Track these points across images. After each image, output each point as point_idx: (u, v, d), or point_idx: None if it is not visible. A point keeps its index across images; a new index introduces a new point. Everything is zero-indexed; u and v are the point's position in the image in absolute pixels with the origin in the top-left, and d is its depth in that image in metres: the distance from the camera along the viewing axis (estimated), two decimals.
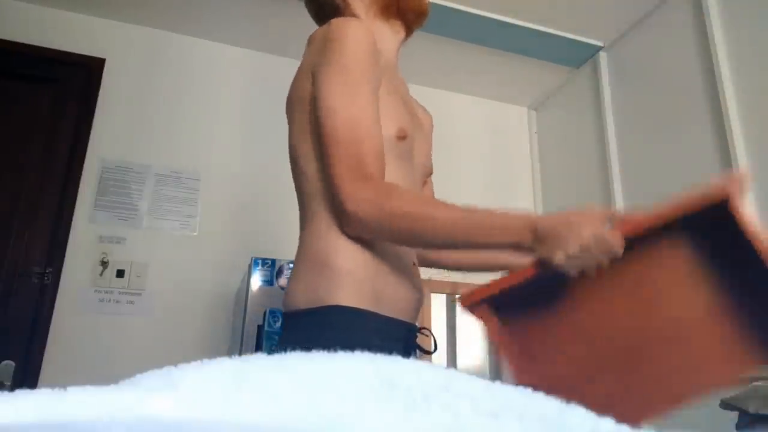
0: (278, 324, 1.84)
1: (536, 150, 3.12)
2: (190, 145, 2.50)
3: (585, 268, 0.76)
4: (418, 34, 1.15)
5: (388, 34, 1.08)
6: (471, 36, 2.58)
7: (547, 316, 0.82)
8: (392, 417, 0.28)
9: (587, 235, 0.74)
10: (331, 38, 0.90)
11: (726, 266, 0.78)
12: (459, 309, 0.83)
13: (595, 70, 2.71)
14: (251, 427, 0.25)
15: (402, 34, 1.11)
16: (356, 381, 0.31)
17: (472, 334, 2.85)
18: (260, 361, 0.33)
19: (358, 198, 0.82)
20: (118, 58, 2.51)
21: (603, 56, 2.69)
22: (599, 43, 2.67)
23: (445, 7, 2.40)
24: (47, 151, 2.31)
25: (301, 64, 0.98)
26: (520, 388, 0.32)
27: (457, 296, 0.80)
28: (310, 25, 1.19)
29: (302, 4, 1.17)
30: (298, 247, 0.94)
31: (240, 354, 0.35)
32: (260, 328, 1.85)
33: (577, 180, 2.79)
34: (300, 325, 0.87)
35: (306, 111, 0.93)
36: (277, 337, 1.82)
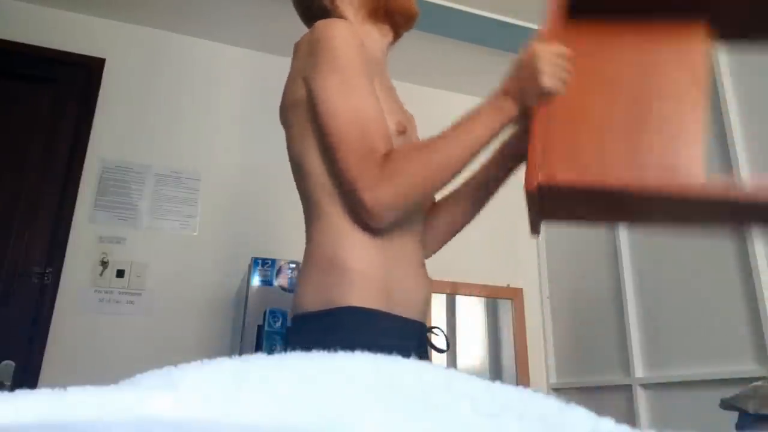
0: (278, 324, 1.84)
1: None
2: (190, 145, 2.51)
3: (562, 76, 0.87)
4: (417, 34, 1.15)
5: (377, 37, 1.08)
6: (471, 36, 2.58)
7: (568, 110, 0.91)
8: (392, 417, 0.28)
9: (540, 52, 0.86)
10: (318, 41, 0.91)
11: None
12: (528, 201, 0.85)
13: None
14: (251, 427, 0.25)
15: (390, 37, 1.11)
16: (356, 381, 0.31)
17: (472, 334, 2.85)
18: (260, 361, 0.33)
19: (372, 185, 0.83)
20: (118, 58, 2.51)
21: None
22: None
23: (445, 7, 2.40)
24: (47, 151, 2.31)
25: (290, 72, 0.98)
26: (520, 388, 0.32)
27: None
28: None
29: (291, 1, 1.17)
30: (306, 248, 0.93)
31: (240, 354, 0.35)
32: (260, 328, 1.85)
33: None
34: (312, 327, 0.86)
35: (303, 114, 0.93)
36: (277, 337, 1.82)
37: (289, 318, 0.95)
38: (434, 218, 1.14)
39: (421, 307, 0.95)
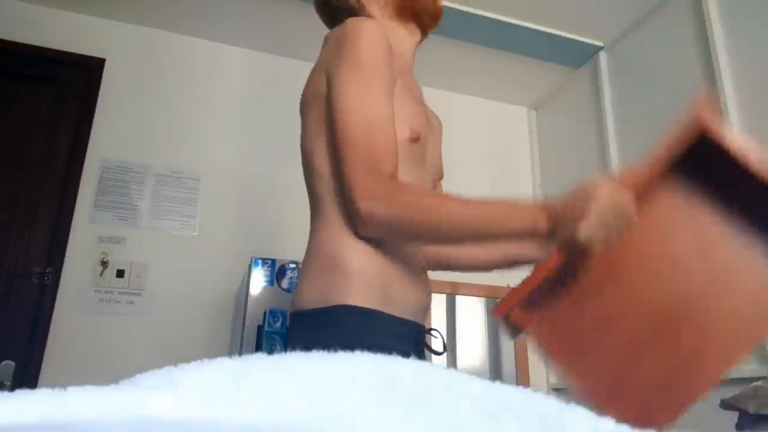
0: (278, 324, 1.84)
1: (536, 150, 3.12)
2: (190, 145, 2.50)
3: (607, 236, 0.73)
4: None
5: (404, 37, 1.08)
6: (471, 36, 2.58)
7: (580, 304, 0.79)
8: (392, 417, 0.28)
9: (601, 200, 0.73)
10: (346, 37, 0.90)
11: (733, 199, 0.76)
12: (495, 321, 0.81)
13: (595, 70, 2.71)
14: (251, 427, 0.25)
15: (418, 36, 1.11)
16: (356, 381, 0.31)
17: (472, 334, 2.85)
18: (260, 361, 0.33)
19: (370, 196, 0.82)
20: (118, 58, 2.51)
21: (603, 56, 2.69)
22: (599, 43, 2.67)
23: (446, 7, 2.39)
24: (47, 151, 2.31)
25: (316, 64, 0.97)
26: (520, 388, 0.32)
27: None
28: (310, 26, 1.18)
29: (303, 4, 1.17)
30: (308, 246, 0.93)
31: (240, 354, 0.35)
32: (260, 328, 1.85)
33: (577, 180, 2.79)
34: (309, 324, 0.87)
35: (321, 110, 0.92)
36: (277, 337, 1.82)
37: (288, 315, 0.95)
38: (436, 253, 1.14)
39: (419, 309, 0.95)
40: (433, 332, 1.04)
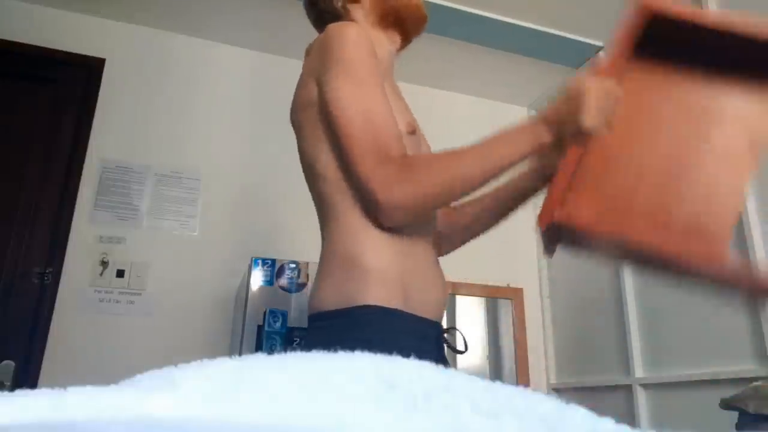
0: (278, 324, 1.84)
1: None
2: (190, 145, 2.51)
3: (607, 117, 0.82)
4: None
5: (384, 43, 1.08)
6: (471, 36, 2.58)
7: (603, 177, 0.87)
8: (392, 417, 0.28)
9: (588, 90, 0.81)
10: (330, 42, 0.91)
11: (697, 60, 0.87)
12: (538, 233, 0.85)
13: None
14: (251, 427, 0.25)
15: (398, 43, 1.11)
16: (356, 381, 0.31)
17: (472, 334, 2.85)
18: (260, 361, 0.33)
19: (387, 185, 0.83)
20: (118, 58, 2.51)
21: (603, 56, 2.69)
22: (599, 43, 2.67)
23: (445, 7, 2.40)
24: (47, 151, 2.31)
25: (302, 73, 0.98)
26: (520, 388, 0.32)
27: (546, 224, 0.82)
28: (310, 26, 1.19)
29: (302, 5, 1.18)
30: (323, 248, 0.93)
31: (240, 354, 0.35)
32: (260, 328, 1.85)
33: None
34: (330, 325, 0.86)
35: (315, 115, 0.93)
36: (277, 337, 1.82)
37: (306, 317, 0.95)
38: (453, 223, 1.15)
39: (437, 307, 0.95)
40: (453, 331, 1.04)
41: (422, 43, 1.16)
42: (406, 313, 0.86)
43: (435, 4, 2.40)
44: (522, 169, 1.05)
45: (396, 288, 0.86)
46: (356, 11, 1.08)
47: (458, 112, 3.00)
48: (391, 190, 0.82)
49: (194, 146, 2.51)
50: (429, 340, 0.90)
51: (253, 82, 2.70)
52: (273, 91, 2.67)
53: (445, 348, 1.00)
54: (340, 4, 1.08)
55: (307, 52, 0.98)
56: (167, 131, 2.50)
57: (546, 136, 0.85)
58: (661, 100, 0.89)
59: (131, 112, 2.47)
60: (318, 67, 0.93)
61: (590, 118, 0.81)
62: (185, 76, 2.60)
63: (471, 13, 2.44)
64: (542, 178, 1.06)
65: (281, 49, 2.67)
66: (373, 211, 0.86)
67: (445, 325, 0.99)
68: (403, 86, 1.14)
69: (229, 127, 2.60)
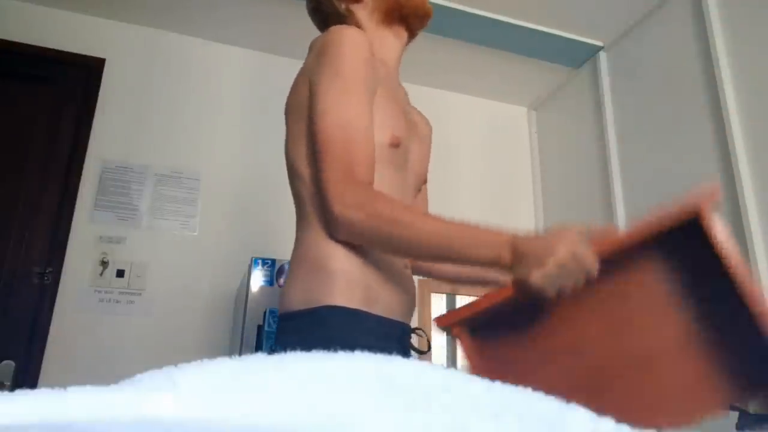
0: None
1: (536, 150, 3.12)
2: (190, 145, 2.50)
3: (561, 287, 0.74)
4: (419, 34, 1.16)
5: (391, 40, 1.09)
6: (471, 36, 2.58)
7: (522, 336, 0.80)
8: (392, 417, 0.28)
9: (563, 253, 0.73)
10: (328, 45, 0.92)
11: (702, 290, 0.76)
12: (435, 327, 0.82)
13: (595, 70, 2.71)
14: (251, 427, 0.25)
15: (405, 38, 1.12)
16: (356, 381, 0.31)
17: None
18: (260, 361, 0.33)
19: (345, 202, 0.84)
20: (118, 58, 2.51)
21: (603, 56, 2.69)
22: (599, 43, 2.67)
23: (445, 7, 2.40)
24: (47, 152, 2.31)
25: (301, 70, 0.99)
26: (520, 389, 0.32)
27: (440, 314, 0.80)
28: (310, 26, 1.19)
29: (302, 5, 1.18)
30: (294, 249, 0.96)
31: (240, 354, 0.35)
32: (260, 328, 1.85)
33: (577, 180, 2.80)
34: (295, 325, 0.89)
35: (303, 116, 0.94)
36: None
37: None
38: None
39: (403, 309, 0.97)
40: (417, 331, 1.05)
41: (422, 43, 1.17)
42: (369, 313, 0.88)
43: (435, 4, 2.40)
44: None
45: (359, 289, 0.88)
46: (359, 11, 1.08)
47: (458, 112, 3.00)
48: (345, 210, 0.84)
49: (194, 146, 2.51)
50: (391, 340, 0.91)
51: (254, 82, 2.70)
52: (273, 91, 2.67)
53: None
54: (342, 6, 1.09)
55: (310, 48, 0.99)
56: (167, 131, 2.50)
57: (506, 261, 0.78)
58: (632, 303, 0.79)
59: (131, 112, 2.47)
60: (313, 67, 0.94)
61: (540, 278, 0.73)
62: (185, 76, 2.60)
63: (471, 13, 2.44)
64: (477, 282, 1.07)
65: (281, 49, 2.67)
66: (326, 218, 0.88)
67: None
68: (403, 86, 1.14)
69: (229, 127, 2.59)
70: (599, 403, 0.76)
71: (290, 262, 0.95)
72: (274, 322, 1.84)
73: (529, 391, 0.32)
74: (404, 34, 1.11)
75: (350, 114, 0.88)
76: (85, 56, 2.45)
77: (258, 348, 1.83)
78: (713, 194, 0.73)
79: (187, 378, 0.30)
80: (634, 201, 2.40)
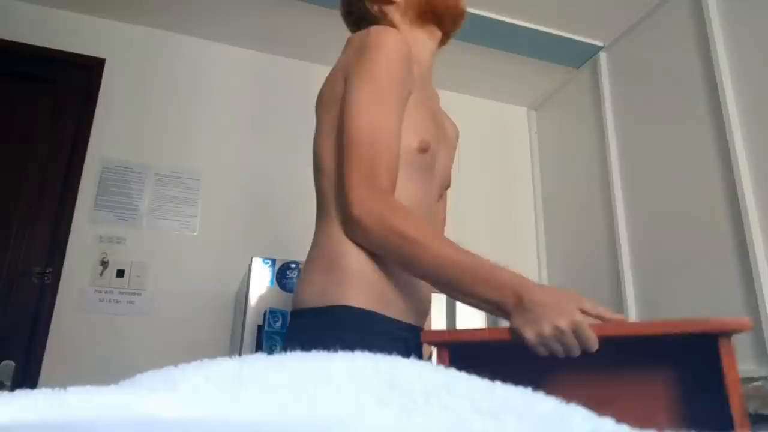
0: (278, 324, 1.84)
1: (536, 150, 3.12)
2: (190, 145, 2.50)
3: (553, 352, 0.73)
4: None
5: (425, 41, 1.09)
6: (471, 36, 2.58)
7: (503, 375, 0.80)
8: (392, 417, 0.28)
9: (565, 322, 0.71)
10: (368, 46, 0.92)
11: (694, 401, 0.75)
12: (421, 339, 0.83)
13: (595, 70, 2.71)
14: (251, 427, 0.25)
15: (438, 38, 1.12)
16: (356, 381, 0.31)
17: None
18: (260, 361, 0.33)
19: (365, 207, 0.84)
20: (118, 58, 2.51)
21: (603, 56, 2.69)
22: (599, 43, 2.67)
23: None
24: (47, 151, 2.31)
25: (337, 65, 0.99)
26: (520, 388, 0.32)
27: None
28: (310, 26, 1.19)
29: (303, 5, 1.18)
30: (311, 246, 0.95)
31: (240, 354, 0.35)
32: (260, 328, 1.85)
33: (577, 180, 2.80)
34: (308, 323, 0.88)
35: (335, 111, 0.94)
36: (277, 337, 1.82)
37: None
38: None
39: (417, 311, 0.96)
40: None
41: (443, 47, 1.16)
42: (383, 315, 0.88)
43: None
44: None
45: (374, 290, 0.88)
46: (393, 13, 1.08)
47: (458, 112, 2.98)
48: (363, 214, 0.84)
49: (194, 146, 2.51)
50: (402, 342, 0.91)
51: (254, 82, 2.70)
52: (273, 91, 2.67)
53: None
54: (375, 8, 1.09)
55: (347, 45, 0.98)
56: (167, 131, 2.50)
57: (508, 307, 0.76)
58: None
59: (131, 112, 2.47)
60: (350, 65, 0.94)
61: (534, 336, 0.73)
62: (185, 76, 2.60)
63: (471, 13, 2.44)
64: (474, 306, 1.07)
65: (281, 49, 2.67)
66: (344, 217, 0.88)
67: (444, 325, 0.99)
68: (436, 90, 1.14)
69: (229, 127, 2.59)
70: None
71: (307, 258, 0.95)
72: (274, 321, 1.84)
73: (529, 391, 0.32)
74: (438, 34, 1.11)
75: (380, 119, 0.88)
76: (85, 56, 2.45)
77: (258, 348, 1.83)
78: (745, 324, 0.72)
79: (187, 378, 0.30)
80: (634, 201, 2.40)
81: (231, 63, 2.69)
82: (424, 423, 0.28)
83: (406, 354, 0.94)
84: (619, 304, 2.38)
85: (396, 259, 0.86)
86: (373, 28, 0.94)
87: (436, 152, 1.03)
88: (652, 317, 2.24)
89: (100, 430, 0.23)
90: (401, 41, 0.93)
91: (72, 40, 2.45)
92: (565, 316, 0.72)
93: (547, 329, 0.72)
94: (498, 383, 0.33)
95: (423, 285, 0.99)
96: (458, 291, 0.82)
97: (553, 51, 2.70)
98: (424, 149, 0.97)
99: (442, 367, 0.34)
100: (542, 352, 0.74)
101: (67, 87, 2.41)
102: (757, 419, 1.13)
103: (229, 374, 0.31)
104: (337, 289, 0.87)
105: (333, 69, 0.99)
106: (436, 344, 0.80)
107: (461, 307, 2.77)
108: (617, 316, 0.77)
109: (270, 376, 0.31)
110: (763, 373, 1.69)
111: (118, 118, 2.44)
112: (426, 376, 0.32)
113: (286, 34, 2.54)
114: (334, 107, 0.95)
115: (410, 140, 0.93)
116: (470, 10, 2.43)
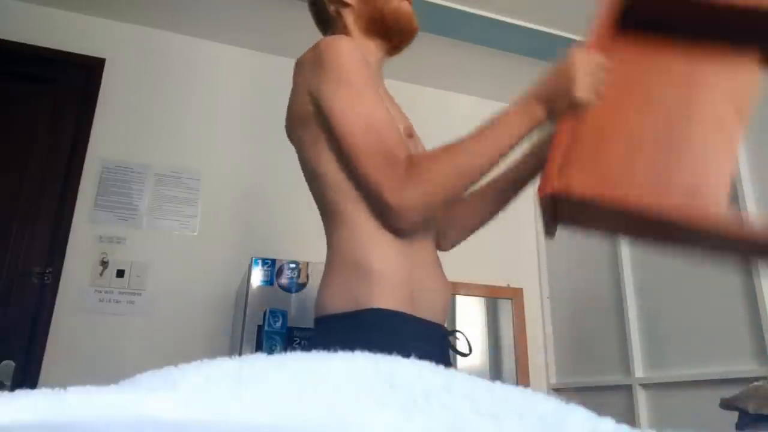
0: (278, 324, 1.84)
1: None
2: (190, 145, 2.50)
3: (596, 88, 0.86)
4: (419, 34, 1.15)
5: (372, 49, 1.09)
6: (471, 36, 2.58)
7: (599, 145, 0.89)
8: (392, 417, 0.28)
9: (580, 62, 0.86)
10: (324, 57, 0.92)
11: (681, 30, 0.90)
12: (539, 205, 0.85)
13: None
14: (251, 427, 0.25)
15: (386, 49, 1.11)
16: (356, 381, 0.31)
17: (472, 335, 2.85)
18: (260, 361, 0.33)
19: (395, 186, 0.84)
20: (118, 58, 2.51)
21: (588, 33, 2.68)
22: None
23: (445, 7, 2.40)
24: (47, 151, 2.31)
25: (294, 89, 0.98)
26: (520, 388, 0.32)
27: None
28: (309, 26, 1.19)
29: (302, 5, 1.19)
30: (329, 253, 0.94)
31: (240, 354, 0.35)
32: (260, 328, 1.85)
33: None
34: (336, 328, 0.87)
35: (315, 128, 0.93)
36: (277, 337, 1.82)
37: (312, 320, 0.95)
38: (457, 216, 1.15)
39: (442, 309, 0.96)
40: (457, 334, 1.05)
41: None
42: (413, 316, 0.87)
43: (435, 4, 2.40)
44: (517, 155, 1.06)
45: (402, 291, 0.87)
46: (347, 16, 1.09)
47: (458, 112, 2.99)
48: (402, 193, 0.83)
49: (194, 146, 2.51)
50: (435, 343, 0.91)
51: (254, 83, 2.70)
52: (273, 91, 2.67)
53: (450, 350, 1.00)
54: (332, 8, 1.10)
55: (299, 66, 0.98)
56: (167, 131, 2.50)
57: (540, 113, 0.87)
58: (647, 71, 0.92)
59: (131, 112, 2.47)
60: (312, 80, 0.93)
61: (581, 89, 0.85)
62: (185, 76, 2.60)
63: (471, 13, 2.44)
64: (539, 161, 1.06)
65: (281, 49, 2.67)
66: (384, 214, 0.87)
67: (446, 324, 0.99)
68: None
69: (229, 127, 2.59)
70: (687, 149, 0.87)
71: (326, 265, 0.93)
72: (274, 321, 1.84)
73: (529, 391, 0.32)
74: (386, 47, 1.11)
75: (368, 110, 0.89)
76: (85, 56, 2.45)
77: (258, 348, 1.83)
78: None
79: (186, 378, 0.30)
80: None
81: (231, 63, 2.69)
82: (424, 423, 0.28)
83: (441, 353, 0.94)
84: (619, 300, 2.38)
85: (455, 190, 0.87)
86: (322, 40, 0.95)
87: (416, 139, 1.05)
88: (652, 314, 2.25)
89: (100, 430, 0.23)
90: (354, 44, 0.94)
91: (72, 40, 2.45)
92: (576, 66, 0.87)
93: (582, 82, 0.86)
94: (498, 383, 0.33)
95: (444, 282, 0.99)
96: (509, 149, 0.87)
97: (553, 51, 2.69)
98: (409, 134, 0.99)
99: (442, 367, 0.34)
100: (595, 98, 0.87)
101: (67, 87, 2.41)
102: (757, 419, 1.13)
103: (229, 374, 0.31)
104: (365, 292, 0.85)
105: (292, 93, 0.99)
106: (554, 180, 0.82)
107: (461, 308, 2.78)
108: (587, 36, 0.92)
109: (270, 376, 0.31)
110: (763, 373, 1.69)
111: (118, 118, 2.44)
112: (426, 376, 0.32)
113: (286, 34, 2.53)
114: (311, 124, 0.94)
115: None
116: (470, 9, 2.44)
